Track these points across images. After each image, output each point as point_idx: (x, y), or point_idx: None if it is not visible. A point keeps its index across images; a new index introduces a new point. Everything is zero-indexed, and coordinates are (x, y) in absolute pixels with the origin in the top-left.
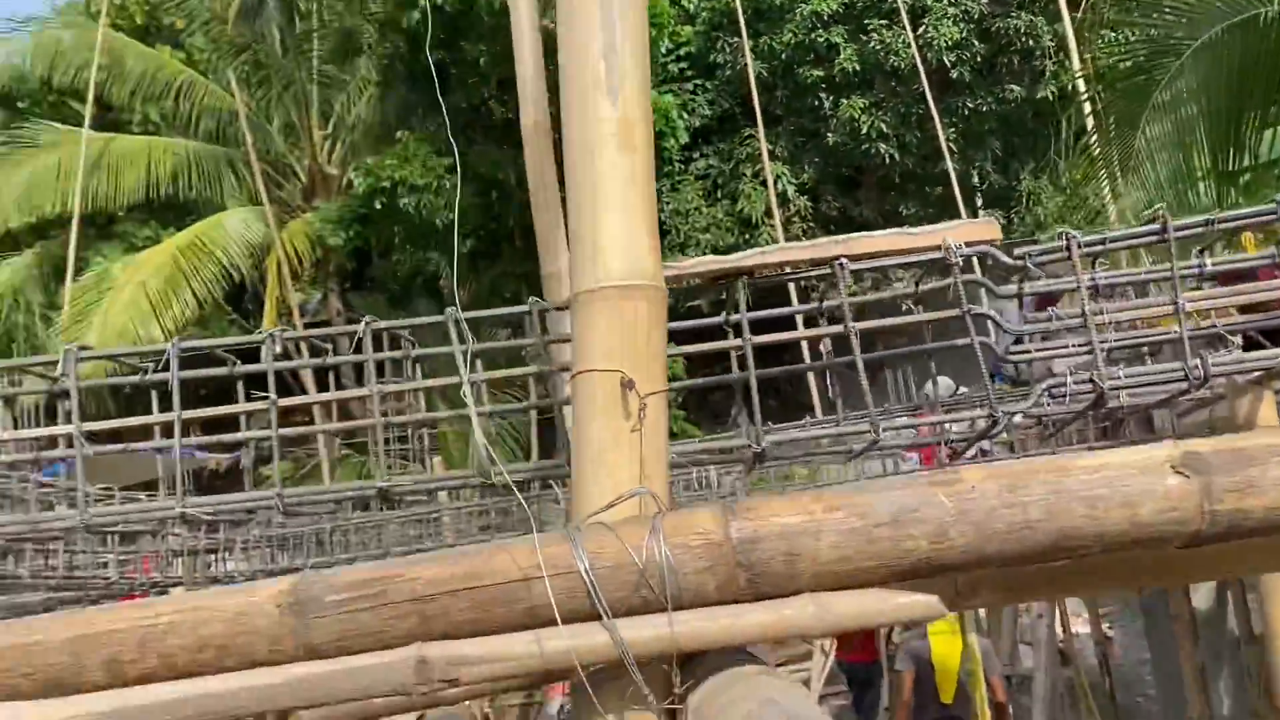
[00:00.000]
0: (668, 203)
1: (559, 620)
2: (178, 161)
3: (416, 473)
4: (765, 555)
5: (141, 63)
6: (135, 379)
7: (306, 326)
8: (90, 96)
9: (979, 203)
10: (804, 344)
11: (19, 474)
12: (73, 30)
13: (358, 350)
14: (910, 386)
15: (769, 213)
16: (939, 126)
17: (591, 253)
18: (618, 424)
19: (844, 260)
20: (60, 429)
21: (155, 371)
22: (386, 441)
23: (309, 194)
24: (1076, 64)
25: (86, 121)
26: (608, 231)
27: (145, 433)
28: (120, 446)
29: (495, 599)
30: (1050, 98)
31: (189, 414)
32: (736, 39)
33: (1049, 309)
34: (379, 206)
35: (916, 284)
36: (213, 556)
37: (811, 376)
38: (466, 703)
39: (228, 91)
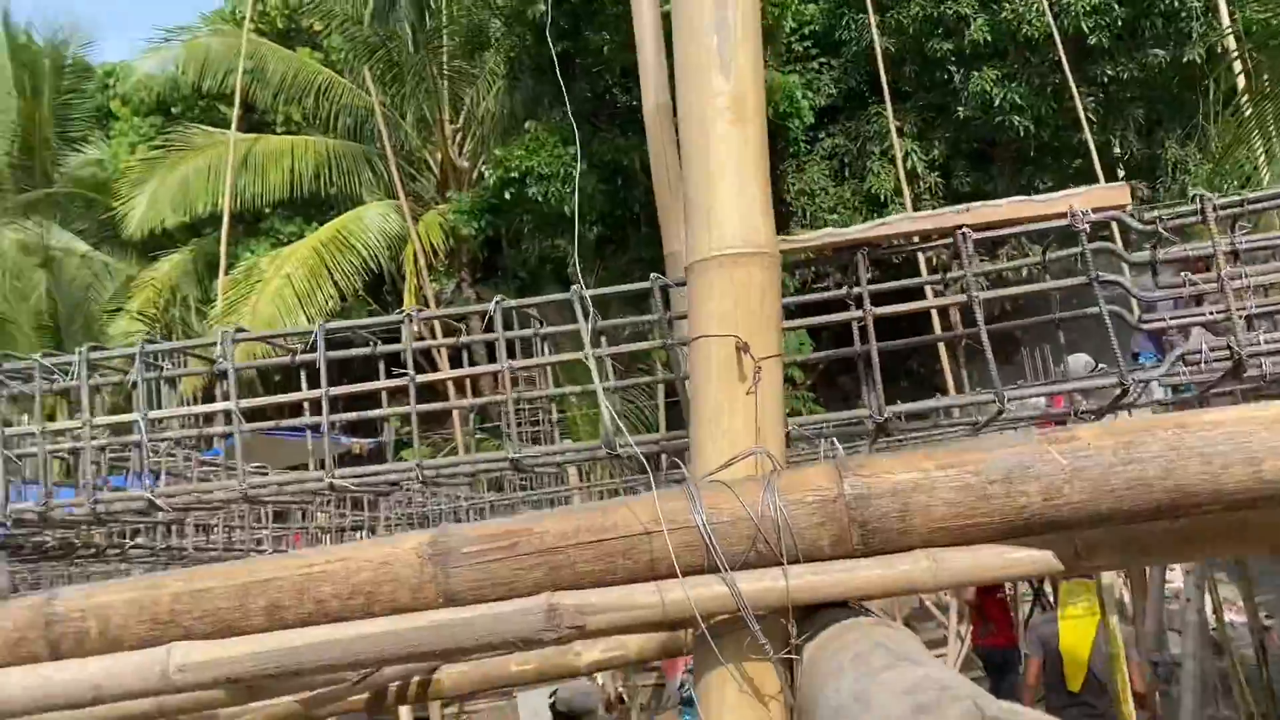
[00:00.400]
0: (793, 183)
1: (679, 572)
2: (319, 159)
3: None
4: (878, 511)
5: (283, 65)
6: (286, 360)
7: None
8: (237, 100)
9: (1120, 174)
10: (936, 323)
11: (183, 451)
12: (219, 37)
13: (489, 329)
14: (1048, 365)
15: (899, 190)
16: (1076, 96)
17: (706, 222)
18: (733, 387)
19: (966, 229)
20: (219, 405)
21: (304, 353)
22: (519, 425)
23: (442, 186)
24: (1226, 21)
25: (234, 124)
26: (721, 201)
27: (296, 413)
28: (272, 423)
29: (618, 551)
30: (1198, 60)
31: (336, 390)
32: (862, 15)
33: (1182, 274)
34: (508, 196)
35: (1044, 252)
36: (357, 535)
37: (945, 359)
38: (600, 680)
39: (363, 89)
